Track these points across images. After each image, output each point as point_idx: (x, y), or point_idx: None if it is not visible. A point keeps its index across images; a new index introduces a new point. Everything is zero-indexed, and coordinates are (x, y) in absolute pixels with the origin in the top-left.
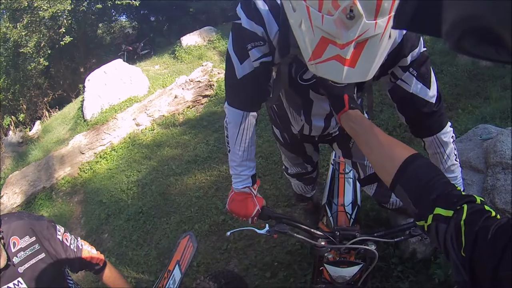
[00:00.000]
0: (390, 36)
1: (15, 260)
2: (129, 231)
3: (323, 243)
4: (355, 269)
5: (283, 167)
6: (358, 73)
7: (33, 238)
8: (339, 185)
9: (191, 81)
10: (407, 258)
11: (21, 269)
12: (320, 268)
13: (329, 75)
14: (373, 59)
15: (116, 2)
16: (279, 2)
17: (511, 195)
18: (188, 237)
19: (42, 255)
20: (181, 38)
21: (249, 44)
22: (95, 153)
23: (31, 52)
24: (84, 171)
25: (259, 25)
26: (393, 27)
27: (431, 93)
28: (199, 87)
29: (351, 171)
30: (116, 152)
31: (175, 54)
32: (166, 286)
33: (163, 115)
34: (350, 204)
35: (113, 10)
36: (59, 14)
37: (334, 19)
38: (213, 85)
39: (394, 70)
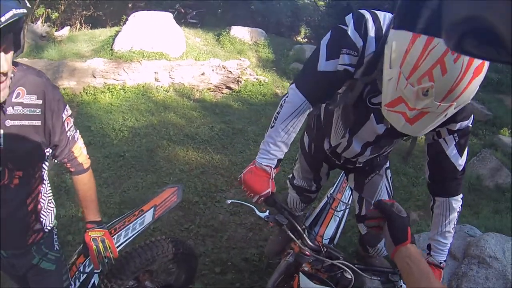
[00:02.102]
0: (446, 116)
1: (9, 110)
2: (103, 167)
3: (307, 252)
4: None
5: (291, 175)
6: (413, 130)
7: (40, 101)
8: (325, 218)
9: (224, 67)
10: None
11: (8, 123)
12: (292, 276)
13: (392, 121)
14: (427, 126)
15: None
16: (383, 28)
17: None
18: (176, 189)
19: (38, 123)
20: (232, 27)
21: (345, 49)
22: (105, 83)
23: None
24: (87, 93)
25: (362, 38)
26: (393, 28)
27: (461, 162)
28: (228, 77)
29: (341, 211)
30: (125, 92)
31: (220, 38)
32: (132, 223)
33: (183, 84)
34: (328, 239)
35: None
36: None
37: (414, 90)
38: (241, 82)
39: (441, 129)
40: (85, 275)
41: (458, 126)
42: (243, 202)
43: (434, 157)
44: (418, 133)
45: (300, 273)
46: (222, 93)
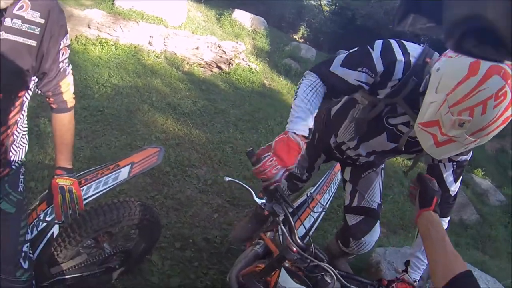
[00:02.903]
0: (466, 148)
1: (7, 21)
2: (79, 118)
3: (294, 249)
4: None
5: None
6: (436, 152)
7: (42, 20)
8: (301, 215)
9: (219, 46)
10: None
11: (2, 35)
12: (274, 270)
13: (421, 140)
14: (449, 153)
15: None
16: (412, 61)
17: None
18: (158, 150)
19: (33, 43)
20: (235, 9)
21: (365, 68)
22: (99, 36)
23: None
24: (78, 41)
25: (383, 65)
26: (393, 28)
27: (454, 188)
28: (221, 56)
29: (317, 213)
30: (116, 49)
31: (221, 17)
32: (105, 177)
33: (175, 54)
34: (299, 238)
35: None
36: None
37: (452, 119)
38: (232, 64)
39: None
40: (44, 224)
41: (458, 158)
42: (242, 184)
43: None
44: (439, 156)
45: (282, 268)
46: (212, 71)
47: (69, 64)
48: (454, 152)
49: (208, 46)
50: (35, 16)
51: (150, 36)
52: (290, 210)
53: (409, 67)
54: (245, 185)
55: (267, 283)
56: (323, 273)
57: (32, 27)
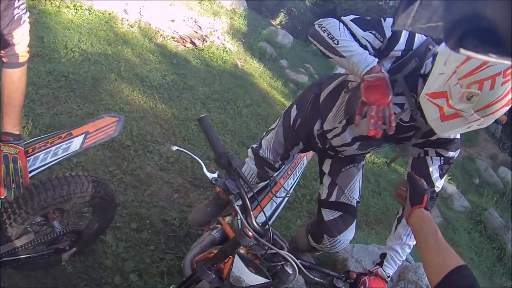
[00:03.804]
0: (469, 128)
1: None
2: (42, 83)
3: (250, 233)
4: (259, 279)
5: (256, 145)
6: (440, 127)
7: None
8: (262, 200)
9: (195, 22)
10: None
11: None
12: (227, 256)
13: (427, 111)
14: (452, 129)
15: None
16: (415, 42)
17: None
18: (117, 119)
19: None
20: None
21: (374, 31)
22: (73, 0)
23: None
24: (52, 3)
25: (392, 31)
26: (392, 28)
27: (439, 185)
28: (196, 32)
29: (280, 198)
30: (89, 14)
31: None
32: (55, 147)
33: (149, 24)
34: (260, 224)
35: None
36: None
37: (461, 91)
38: (206, 41)
39: (430, 149)
40: None
41: (447, 154)
42: (191, 154)
43: (417, 171)
44: (442, 131)
45: (236, 256)
46: (185, 46)
47: (26, 11)
48: (457, 129)
49: (184, 20)
50: None
51: (126, 4)
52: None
53: (412, 43)
54: (194, 156)
55: (220, 270)
56: (283, 263)
57: None
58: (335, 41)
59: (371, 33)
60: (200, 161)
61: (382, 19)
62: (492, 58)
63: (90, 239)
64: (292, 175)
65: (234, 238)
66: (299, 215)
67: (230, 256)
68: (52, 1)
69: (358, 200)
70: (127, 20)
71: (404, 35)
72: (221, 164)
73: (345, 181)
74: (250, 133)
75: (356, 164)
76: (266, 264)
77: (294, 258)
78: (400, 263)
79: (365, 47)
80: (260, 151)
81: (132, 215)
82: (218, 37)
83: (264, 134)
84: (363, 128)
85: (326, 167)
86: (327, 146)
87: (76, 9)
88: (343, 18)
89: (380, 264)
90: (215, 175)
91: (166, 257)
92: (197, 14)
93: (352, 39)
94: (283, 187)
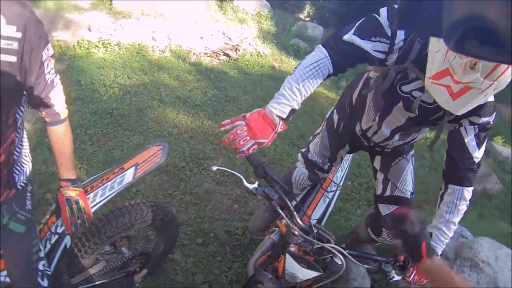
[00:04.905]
0: (486, 95)
1: None
2: (89, 123)
3: (296, 232)
4: (311, 273)
5: (304, 149)
6: (454, 105)
7: (19, 34)
8: (314, 198)
9: (224, 34)
10: None
11: None
12: (278, 257)
13: (435, 95)
14: (468, 104)
15: None
16: None
17: None
18: (161, 147)
19: (13, 59)
20: None
21: (378, 37)
22: (100, 38)
23: None
24: (81, 46)
25: (391, 28)
26: (394, 28)
27: (478, 155)
28: (226, 43)
29: (332, 192)
30: (119, 49)
31: (223, 4)
32: (111, 181)
33: (180, 46)
34: (316, 220)
35: None
36: None
37: (462, 62)
38: (239, 50)
39: (463, 120)
40: (56, 236)
41: (480, 120)
42: (231, 170)
43: (453, 144)
44: (458, 110)
45: (287, 254)
46: (219, 59)
47: (56, 75)
48: (473, 102)
49: (212, 35)
50: (11, 31)
51: (153, 32)
52: (299, 192)
53: None
54: (234, 172)
55: (276, 270)
56: (332, 255)
57: (9, 42)
58: (292, 71)
59: (377, 41)
60: (239, 175)
61: (376, 16)
62: (492, 58)
63: (159, 259)
64: (340, 168)
65: (284, 238)
66: (358, 204)
67: (282, 256)
68: (80, 44)
69: (412, 191)
70: (157, 47)
71: None
72: (259, 174)
73: (397, 175)
74: (298, 132)
75: (405, 155)
76: (317, 258)
77: (340, 249)
78: (447, 241)
79: (377, 58)
80: (309, 155)
81: (196, 231)
82: (249, 44)
83: (311, 139)
84: (397, 118)
85: (377, 164)
86: (371, 144)
87: (105, 46)
88: (345, 37)
89: None
90: (255, 185)
91: (233, 265)
92: (224, 25)
93: (299, 84)
94: (333, 181)
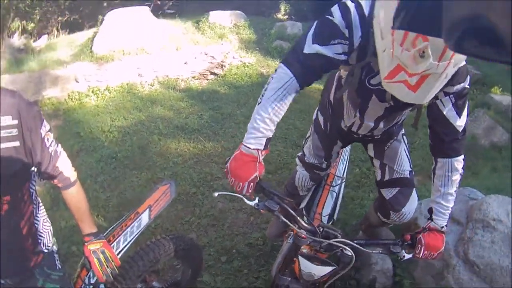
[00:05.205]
0: (446, 76)
1: None
2: (97, 171)
3: (303, 235)
4: (326, 269)
5: (300, 153)
6: (417, 97)
7: (15, 122)
8: (322, 195)
9: (206, 54)
10: (365, 285)
11: None
12: (293, 260)
13: (395, 93)
14: (430, 91)
15: None
16: (366, 14)
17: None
18: (168, 186)
19: (16, 144)
20: (210, 12)
21: (337, 39)
22: (89, 86)
23: None
24: (72, 99)
25: (347, 28)
26: (393, 27)
27: (460, 123)
28: (211, 62)
29: (337, 186)
30: (110, 93)
31: (199, 25)
32: (130, 226)
33: (167, 76)
34: (327, 216)
35: None
36: None
37: (410, 54)
38: (225, 66)
39: (438, 93)
40: (91, 286)
41: (454, 89)
42: (231, 193)
43: (433, 118)
44: (423, 100)
45: (299, 257)
46: (207, 79)
47: (57, 145)
48: (436, 86)
49: (195, 58)
50: (7, 121)
51: (138, 68)
52: (305, 193)
53: (364, 21)
54: (234, 194)
55: (294, 272)
56: (341, 248)
57: (9, 131)
58: (259, 100)
59: (336, 43)
60: (240, 196)
61: (329, 17)
62: (492, 58)
63: (189, 284)
64: (340, 161)
65: (294, 242)
66: (370, 189)
67: (295, 258)
68: (71, 97)
69: (411, 169)
70: (146, 82)
71: (354, 21)
72: (256, 190)
73: (392, 158)
74: (299, 132)
75: (396, 137)
76: (329, 253)
77: (347, 241)
78: (449, 211)
79: (341, 61)
80: (306, 158)
81: (219, 251)
82: (233, 57)
83: (304, 143)
84: (375, 110)
85: (371, 151)
86: (360, 136)
87: (96, 94)
88: (305, 51)
89: (430, 218)
90: (256, 201)
91: (260, 275)
92: (205, 45)
93: (269, 113)
94: (336, 175)
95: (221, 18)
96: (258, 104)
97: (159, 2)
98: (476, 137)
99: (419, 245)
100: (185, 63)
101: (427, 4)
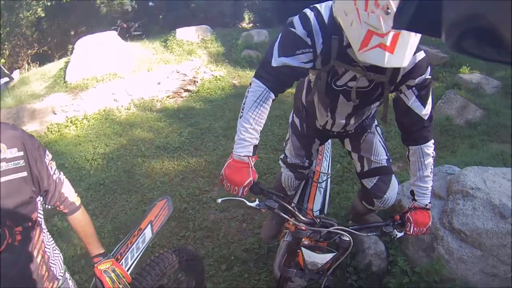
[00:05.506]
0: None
1: None
2: (87, 200)
3: (303, 227)
4: (328, 256)
5: (283, 155)
6: (396, 59)
7: (21, 153)
8: (310, 192)
9: (178, 72)
10: (362, 269)
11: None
12: (296, 253)
13: (374, 60)
14: (406, 47)
15: None
16: (326, 20)
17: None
18: (165, 200)
19: (24, 174)
20: (176, 30)
21: (301, 49)
22: (67, 117)
23: None
24: (51, 131)
25: (309, 37)
26: (393, 27)
27: (425, 112)
28: (184, 80)
29: (324, 182)
30: (88, 121)
31: (167, 44)
32: (135, 243)
33: (142, 98)
34: (318, 211)
35: None
36: None
37: (376, 15)
38: (197, 82)
39: (401, 87)
40: None
41: (416, 81)
42: (233, 197)
43: (399, 111)
44: (402, 60)
45: (302, 248)
46: (182, 97)
47: (60, 172)
48: (410, 43)
49: (168, 77)
50: (14, 153)
51: (113, 94)
52: (293, 192)
53: (325, 27)
54: (236, 198)
55: (299, 264)
56: (339, 235)
57: (16, 162)
58: (241, 114)
59: (301, 53)
60: (241, 199)
61: (292, 29)
62: (492, 58)
63: None
64: (323, 158)
65: (295, 236)
66: (353, 182)
67: (299, 251)
68: (51, 129)
69: (387, 157)
70: (122, 106)
71: (315, 29)
72: (256, 192)
73: (368, 150)
74: (277, 137)
75: (369, 130)
76: (328, 241)
77: (344, 228)
78: (430, 190)
79: (307, 69)
80: (288, 160)
81: (218, 260)
82: (204, 72)
83: (284, 145)
84: (344, 109)
85: (348, 146)
86: (335, 133)
87: (75, 124)
88: (273, 64)
89: (414, 199)
90: (257, 202)
91: (260, 277)
92: (175, 63)
93: (252, 124)
94: (321, 172)
95: (188, 34)
96: (240, 117)
97: (125, 25)
98: (451, 117)
99: (408, 223)
100: (158, 83)
101: (427, 3)
